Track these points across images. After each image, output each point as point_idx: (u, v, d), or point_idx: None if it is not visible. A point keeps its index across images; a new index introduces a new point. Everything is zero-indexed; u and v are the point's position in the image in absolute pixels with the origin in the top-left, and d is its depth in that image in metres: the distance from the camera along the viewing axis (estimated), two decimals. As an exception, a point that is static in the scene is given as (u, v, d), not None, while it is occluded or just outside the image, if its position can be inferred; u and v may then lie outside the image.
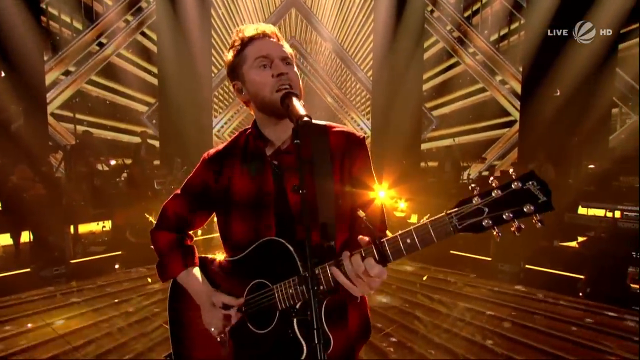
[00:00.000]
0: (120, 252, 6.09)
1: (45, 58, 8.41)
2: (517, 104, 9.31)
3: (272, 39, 1.35)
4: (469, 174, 8.23)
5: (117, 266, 5.77)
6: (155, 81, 9.69)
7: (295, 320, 1.22)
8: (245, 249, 1.35)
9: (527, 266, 5.62)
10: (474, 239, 6.95)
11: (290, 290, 1.22)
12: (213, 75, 10.29)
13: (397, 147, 9.39)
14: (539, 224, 0.95)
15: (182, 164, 7.70)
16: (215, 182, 1.42)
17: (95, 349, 3.46)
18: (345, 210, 1.32)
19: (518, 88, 9.28)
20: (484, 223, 0.98)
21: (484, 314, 4.29)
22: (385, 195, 8.42)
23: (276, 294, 1.26)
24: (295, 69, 1.35)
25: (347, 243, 1.31)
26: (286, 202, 1.32)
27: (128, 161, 8.15)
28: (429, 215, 6.89)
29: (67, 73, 8.67)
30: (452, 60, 9.86)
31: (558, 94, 8.65)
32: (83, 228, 6.81)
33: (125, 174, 7.88)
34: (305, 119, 1.10)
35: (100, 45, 8.93)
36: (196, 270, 1.45)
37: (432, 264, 6.03)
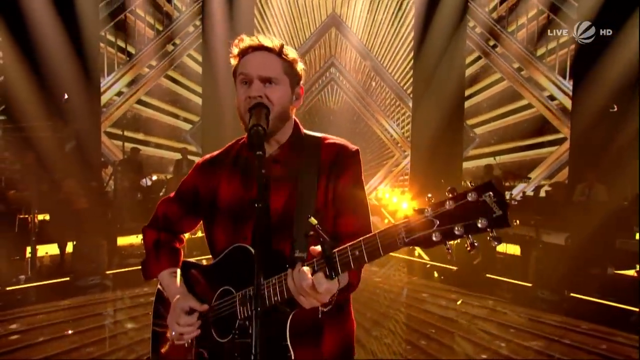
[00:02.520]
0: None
1: (101, 80, 9.10)
2: (567, 120, 8.72)
3: (260, 54, 1.29)
4: (511, 194, 7.75)
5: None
6: (199, 100, 10.12)
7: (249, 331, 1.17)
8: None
9: (571, 294, 5.19)
10: (512, 262, 6.52)
11: (247, 298, 1.20)
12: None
13: (437, 165, 9.11)
14: (494, 242, 0.87)
15: None
16: (206, 188, 1.42)
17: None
18: (325, 226, 1.19)
19: (568, 103, 8.70)
20: (433, 237, 0.91)
21: (522, 345, 3.92)
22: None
23: (237, 301, 1.23)
24: (284, 87, 1.29)
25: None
26: (267, 213, 1.24)
27: (169, 176, 8.51)
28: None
29: (119, 94, 9.31)
30: (495, 76, 9.47)
31: (615, 109, 8.01)
32: (124, 240, 7.13)
33: (164, 189, 8.20)
34: (257, 128, 1.12)
35: (150, 67, 9.53)
36: (176, 273, 1.47)
37: (467, 288, 5.66)
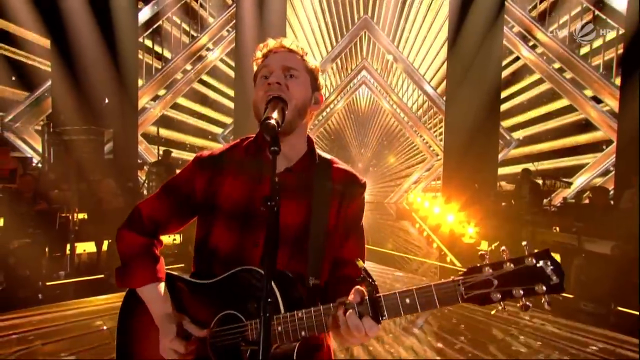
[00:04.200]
0: (182, 265, 6.38)
1: (139, 84, 9.50)
2: (614, 123, 8.29)
3: (283, 53, 1.30)
4: (550, 200, 7.44)
5: None
6: (231, 104, 10.34)
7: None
8: (220, 262, 1.26)
9: (618, 308, 4.92)
10: None
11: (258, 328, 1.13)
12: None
13: (470, 170, 8.91)
14: (547, 305, 0.95)
15: None
16: (205, 185, 1.33)
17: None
18: (333, 249, 1.29)
19: (615, 105, 8.27)
20: (492, 296, 0.98)
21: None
22: (453, 219, 8.00)
23: (249, 332, 1.16)
24: (305, 83, 1.29)
25: (320, 287, 1.26)
26: (276, 222, 1.18)
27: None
28: (498, 242, 6.27)
29: (155, 98, 9.66)
30: (534, 77, 9.14)
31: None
32: (157, 240, 7.32)
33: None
34: (269, 121, 1.06)
35: (185, 72, 9.85)
36: (162, 287, 1.31)
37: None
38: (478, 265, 1.00)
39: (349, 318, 1.03)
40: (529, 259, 0.96)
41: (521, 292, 0.95)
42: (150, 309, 1.29)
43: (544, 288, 0.94)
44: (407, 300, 1.03)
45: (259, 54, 1.32)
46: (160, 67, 9.75)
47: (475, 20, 8.75)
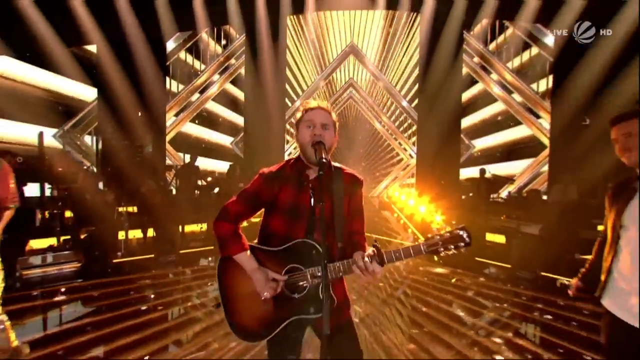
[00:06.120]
0: (212, 247, 7.16)
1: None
2: (547, 134, 9.26)
3: (320, 111, 1.74)
4: (498, 194, 8.33)
5: (209, 259, 6.76)
6: (233, 121, 11.11)
7: (320, 289, 1.67)
8: (278, 238, 1.73)
9: (542, 274, 5.69)
10: (499, 249, 7.09)
11: (318, 273, 1.67)
12: (286, 109, 11.36)
13: (438, 169, 9.67)
14: (464, 250, 1.59)
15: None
16: (268, 192, 1.75)
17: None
18: (347, 225, 1.78)
19: (549, 120, 9.26)
20: (439, 250, 1.59)
21: (501, 308, 4.62)
22: (425, 209, 8.77)
23: (308, 275, 1.70)
24: (332, 131, 1.74)
25: (344, 248, 1.72)
26: (314, 214, 1.73)
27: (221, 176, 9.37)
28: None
29: (178, 113, 10.35)
30: (490, 98, 9.99)
31: (587, 122, 8.51)
32: (188, 228, 8.01)
33: (217, 189, 9.09)
34: (324, 160, 1.59)
35: (204, 90, 10.52)
36: (248, 253, 1.74)
37: (460, 267, 6.32)
38: (431, 235, 1.61)
39: (366, 263, 1.57)
40: (456, 231, 1.56)
41: (452, 247, 1.57)
42: (244, 267, 1.73)
43: (463, 244, 1.56)
44: (397, 254, 1.59)
45: (301, 108, 1.78)
46: (177, 91, 10.47)
47: (441, 52, 9.49)
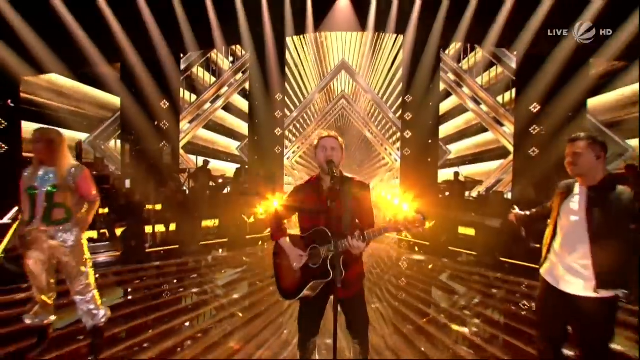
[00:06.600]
0: (225, 240, 8.02)
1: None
2: (512, 140, 10.31)
3: (330, 138, 2.26)
4: (469, 194, 9.37)
5: (220, 250, 7.57)
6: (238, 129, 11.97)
7: (328, 262, 2.17)
8: (307, 231, 2.30)
9: (501, 259, 6.66)
10: (469, 239, 8.06)
11: (331, 249, 2.14)
12: (285, 118, 12.20)
13: (419, 171, 10.61)
14: (421, 229, 2.01)
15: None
16: (298, 200, 2.33)
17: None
18: (356, 221, 2.25)
19: (512, 130, 10.34)
20: (403, 228, 2.02)
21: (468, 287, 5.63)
22: (408, 207, 9.71)
23: (321, 251, 2.22)
24: (339, 152, 2.24)
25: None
26: (330, 213, 2.16)
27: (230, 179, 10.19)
28: (434, 221, 7.78)
29: (192, 121, 11.22)
30: (462, 108, 11.07)
31: (543, 131, 9.61)
32: (202, 223, 8.77)
33: (227, 189, 9.94)
34: (335, 174, 2.10)
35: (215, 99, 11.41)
36: (287, 238, 2.38)
37: (438, 256, 7.25)
38: (397, 218, 2.02)
39: (352, 241, 2.06)
40: (419, 215, 1.99)
41: (417, 224, 1.98)
42: (284, 247, 2.35)
43: (418, 224, 1.97)
44: (374, 233, 2.06)
45: (318, 137, 2.30)
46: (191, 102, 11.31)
47: (422, 69, 10.43)
